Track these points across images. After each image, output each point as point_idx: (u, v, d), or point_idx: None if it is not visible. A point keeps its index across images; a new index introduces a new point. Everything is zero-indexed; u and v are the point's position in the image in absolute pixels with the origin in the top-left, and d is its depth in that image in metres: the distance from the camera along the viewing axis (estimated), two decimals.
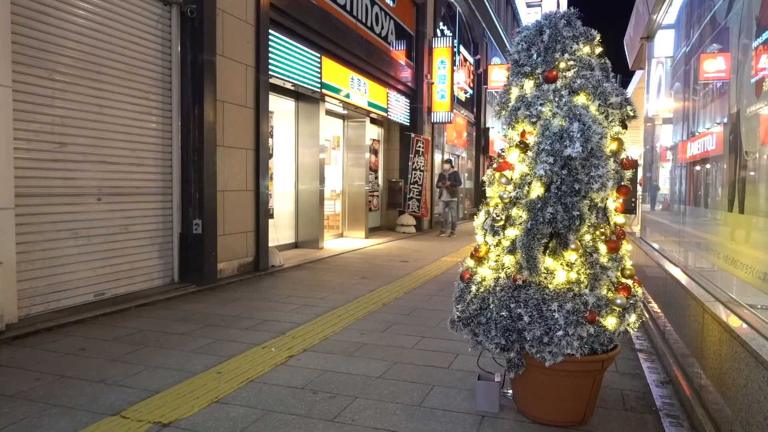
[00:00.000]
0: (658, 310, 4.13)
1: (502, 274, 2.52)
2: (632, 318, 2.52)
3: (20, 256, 4.01)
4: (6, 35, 3.83)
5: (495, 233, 2.57)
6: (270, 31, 6.98)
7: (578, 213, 2.28)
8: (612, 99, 2.47)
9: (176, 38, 5.55)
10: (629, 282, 2.55)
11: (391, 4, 11.69)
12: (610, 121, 2.49)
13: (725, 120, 3.40)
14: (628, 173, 2.58)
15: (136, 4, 5.07)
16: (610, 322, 2.44)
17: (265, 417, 2.60)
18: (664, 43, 5.82)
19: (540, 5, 31.12)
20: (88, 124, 4.61)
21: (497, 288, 2.50)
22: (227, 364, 3.32)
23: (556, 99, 2.41)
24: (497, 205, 2.60)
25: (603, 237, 2.50)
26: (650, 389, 3.05)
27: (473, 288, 2.59)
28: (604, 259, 2.47)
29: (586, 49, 2.56)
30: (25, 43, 4.06)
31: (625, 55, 7.99)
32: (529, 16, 30.29)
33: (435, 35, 13.85)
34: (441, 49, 13.63)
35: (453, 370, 3.31)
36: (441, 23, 14.43)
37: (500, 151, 2.74)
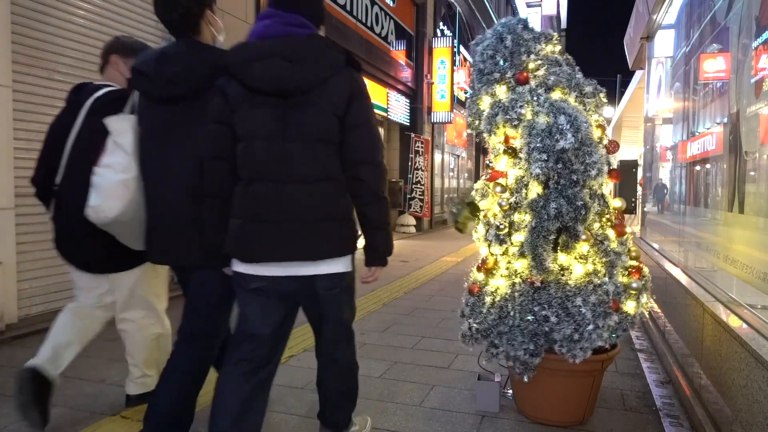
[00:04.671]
0: (658, 310, 4.13)
1: (517, 280, 2.49)
2: (644, 299, 2.54)
3: (20, 256, 4.01)
4: (6, 35, 3.83)
5: (501, 242, 2.54)
6: None
7: (582, 203, 2.29)
8: (586, 89, 2.53)
9: None
10: (636, 263, 2.57)
11: (391, 4, 11.69)
12: (588, 110, 2.53)
13: (725, 120, 3.40)
14: (612, 158, 2.63)
15: (136, 4, 5.07)
16: (630, 306, 2.46)
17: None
18: (664, 43, 5.83)
19: (540, 5, 31.16)
20: None
21: (516, 294, 2.47)
22: None
23: (535, 98, 2.43)
24: (496, 215, 2.57)
25: (609, 223, 2.52)
26: (650, 389, 3.05)
27: (487, 299, 2.54)
28: (614, 245, 2.49)
29: (549, 48, 2.61)
30: (25, 43, 4.06)
31: (625, 55, 7.99)
32: (529, 17, 30.30)
33: (435, 35, 13.86)
34: (441, 49, 13.64)
35: (453, 370, 3.31)
36: (441, 23, 14.43)
37: (488, 162, 2.73)
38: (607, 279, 2.42)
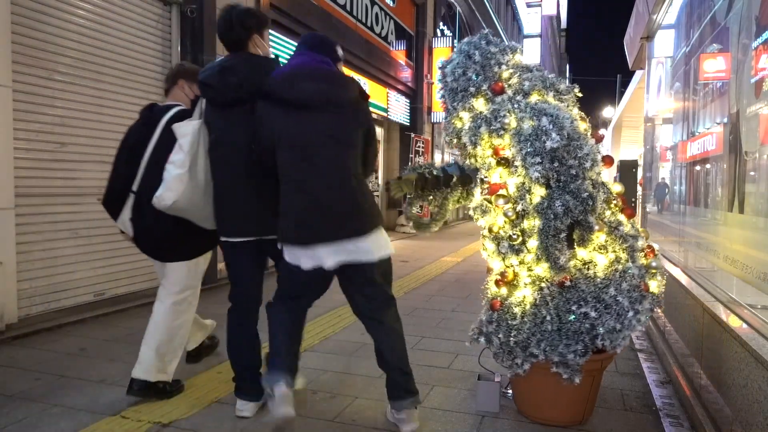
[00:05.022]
0: (658, 310, 4.13)
1: (545, 284, 2.47)
2: (659, 277, 2.56)
3: (20, 256, 4.01)
4: (6, 35, 3.83)
5: (517, 252, 2.49)
6: (270, 31, 6.98)
7: (587, 194, 2.30)
8: (560, 87, 2.57)
9: (176, 38, 5.55)
10: (648, 243, 2.59)
11: (391, 4, 11.69)
12: (568, 106, 2.56)
13: (725, 120, 3.40)
14: (600, 146, 2.65)
15: (136, 4, 5.07)
16: (653, 285, 2.49)
17: (265, 417, 2.60)
18: (664, 43, 5.82)
19: (540, 5, 31.14)
20: (88, 124, 4.61)
21: (548, 298, 2.46)
22: (227, 363, 3.30)
23: (515, 105, 2.46)
24: (503, 228, 2.54)
25: (617, 208, 2.54)
26: (650, 389, 3.05)
27: (516, 310, 2.49)
28: (627, 228, 2.50)
29: (516, 57, 2.68)
30: (25, 43, 4.06)
31: (625, 55, 7.99)
32: (529, 16, 30.31)
33: (435, 35, 13.87)
34: (441, 49, 13.65)
35: (453, 370, 3.31)
36: (441, 23, 14.44)
37: (483, 178, 2.67)
38: (630, 264, 2.44)
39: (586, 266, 2.45)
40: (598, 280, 2.42)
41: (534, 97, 2.49)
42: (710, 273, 3.37)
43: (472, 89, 2.61)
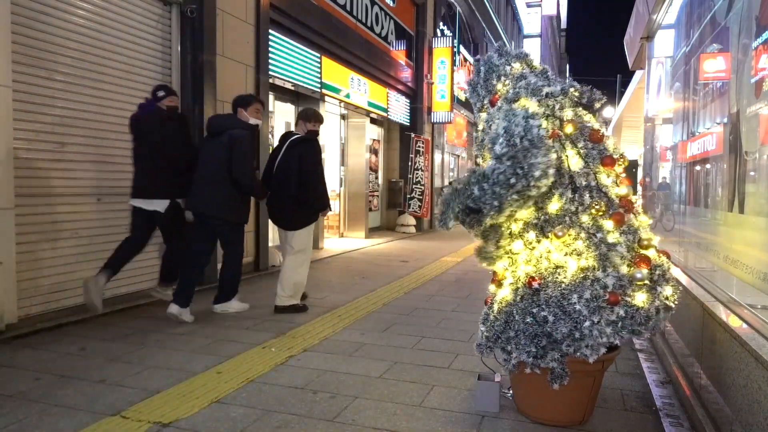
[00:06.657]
0: None
1: (520, 284, 2.51)
2: (668, 290, 2.43)
3: (20, 256, 4.01)
4: (6, 35, 3.83)
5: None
6: (270, 31, 6.98)
7: (497, 203, 2.35)
8: (545, 90, 2.58)
9: (176, 38, 5.55)
10: (648, 253, 2.45)
11: (391, 4, 11.68)
12: (560, 108, 2.57)
13: (725, 120, 3.40)
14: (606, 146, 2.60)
15: (136, 4, 5.07)
16: (640, 298, 2.36)
17: (265, 417, 2.60)
18: (664, 43, 5.82)
19: (540, 5, 31.12)
20: (88, 124, 4.61)
21: (518, 299, 2.49)
22: (227, 363, 3.32)
23: (497, 113, 2.59)
24: None
25: (601, 213, 2.44)
26: (650, 389, 3.05)
27: (495, 306, 2.57)
28: (611, 236, 2.41)
29: (517, 65, 2.76)
30: (25, 43, 4.06)
31: (625, 55, 7.99)
32: (529, 16, 30.30)
33: (435, 35, 13.85)
34: (441, 49, 13.63)
35: (453, 370, 3.31)
36: (441, 23, 14.42)
37: None
38: (601, 273, 2.36)
39: (557, 270, 2.42)
40: (564, 285, 2.38)
41: (520, 103, 2.54)
42: (710, 273, 3.37)
43: (479, 104, 2.82)
